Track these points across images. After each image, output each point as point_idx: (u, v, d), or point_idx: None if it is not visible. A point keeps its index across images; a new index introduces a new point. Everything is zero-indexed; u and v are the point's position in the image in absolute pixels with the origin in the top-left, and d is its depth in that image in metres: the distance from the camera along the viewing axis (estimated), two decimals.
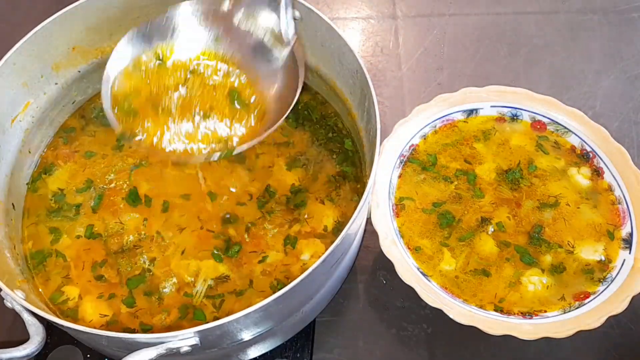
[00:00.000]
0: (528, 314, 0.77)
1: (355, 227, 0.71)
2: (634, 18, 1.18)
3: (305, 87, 0.91)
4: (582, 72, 1.12)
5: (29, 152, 0.86)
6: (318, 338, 0.85)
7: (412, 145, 0.90)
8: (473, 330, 0.74)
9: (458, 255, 0.82)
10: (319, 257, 0.63)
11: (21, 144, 0.84)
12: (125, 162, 0.87)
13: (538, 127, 0.91)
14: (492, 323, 0.75)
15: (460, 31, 1.17)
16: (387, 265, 0.79)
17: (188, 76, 0.77)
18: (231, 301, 0.76)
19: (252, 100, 0.77)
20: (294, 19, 0.77)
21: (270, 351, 0.81)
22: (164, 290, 0.77)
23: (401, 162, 0.88)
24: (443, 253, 0.82)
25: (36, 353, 0.62)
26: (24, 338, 0.62)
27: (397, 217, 0.84)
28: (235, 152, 0.74)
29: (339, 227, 0.81)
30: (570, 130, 0.90)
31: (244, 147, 0.73)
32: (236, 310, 0.60)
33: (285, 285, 0.61)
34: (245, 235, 0.81)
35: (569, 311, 0.77)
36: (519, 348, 0.83)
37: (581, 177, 0.87)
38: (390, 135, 0.88)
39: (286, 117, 0.74)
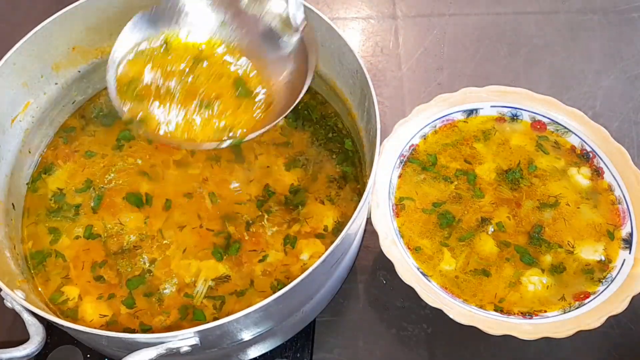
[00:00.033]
0: (528, 314, 0.77)
1: (355, 227, 0.71)
2: (634, 18, 1.18)
3: None
4: (582, 72, 1.12)
5: (29, 152, 0.86)
6: (318, 338, 0.85)
7: (412, 145, 0.90)
8: (473, 330, 0.74)
9: (458, 255, 0.82)
10: (319, 257, 0.63)
11: (21, 144, 0.84)
12: (126, 162, 0.87)
13: (538, 127, 0.91)
14: (492, 323, 0.75)
15: (460, 31, 1.17)
16: (387, 265, 0.79)
17: (193, 62, 0.76)
18: (232, 302, 0.76)
19: (258, 89, 0.76)
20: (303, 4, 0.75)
21: (270, 351, 0.80)
22: (164, 291, 0.77)
23: (401, 162, 0.88)
24: (443, 253, 0.82)
25: (36, 353, 0.62)
26: (24, 338, 0.62)
27: (397, 217, 0.84)
28: (244, 141, 0.72)
29: (339, 227, 0.81)
30: (570, 130, 0.89)
31: (253, 135, 0.72)
32: (237, 311, 0.60)
33: (285, 285, 0.61)
34: (245, 233, 0.81)
35: (569, 311, 0.77)
36: (519, 348, 0.83)
37: (581, 177, 0.87)
38: (390, 135, 0.88)
39: (294, 108, 0.72)
